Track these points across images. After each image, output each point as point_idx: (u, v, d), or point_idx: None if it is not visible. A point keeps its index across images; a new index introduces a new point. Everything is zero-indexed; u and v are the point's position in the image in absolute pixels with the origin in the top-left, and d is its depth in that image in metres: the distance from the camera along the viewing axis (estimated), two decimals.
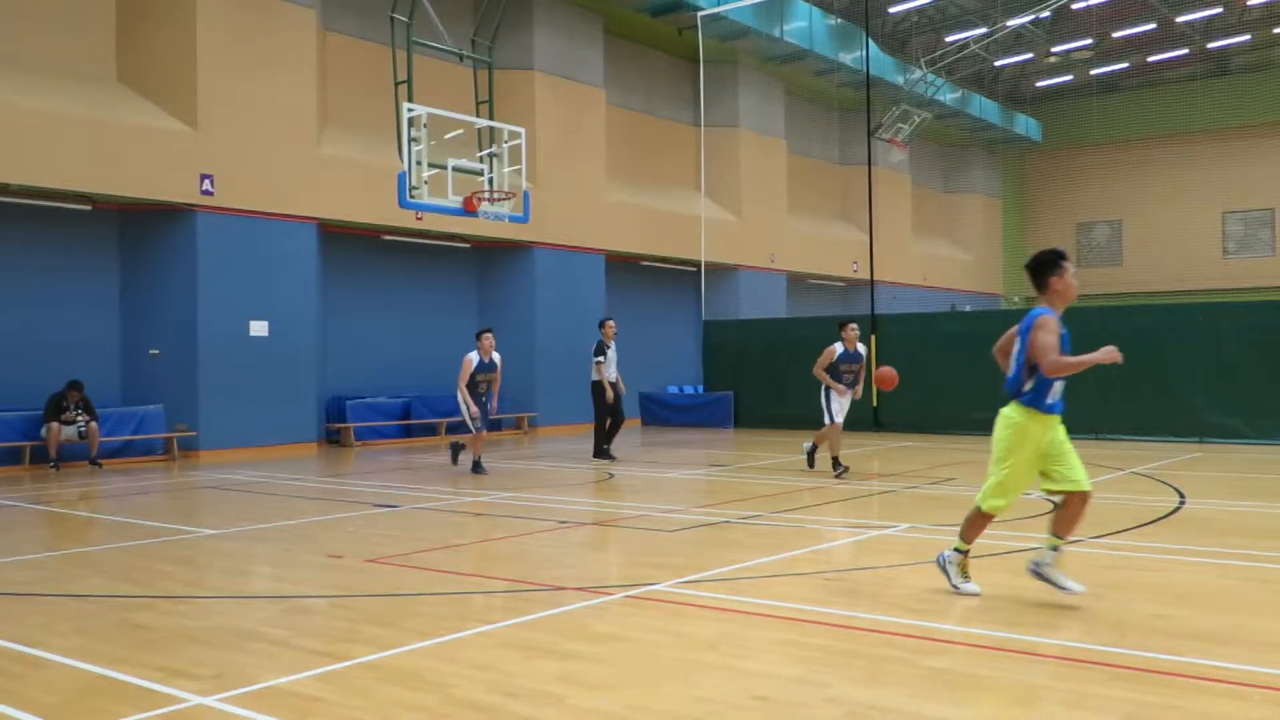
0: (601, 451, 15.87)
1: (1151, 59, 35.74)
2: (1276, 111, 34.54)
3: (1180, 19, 32.08)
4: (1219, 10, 32.17)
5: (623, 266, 25.53)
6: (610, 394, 15.71)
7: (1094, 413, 18.82)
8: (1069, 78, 37.33)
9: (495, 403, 14.49)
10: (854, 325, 13.85)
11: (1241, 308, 18.78)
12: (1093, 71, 36.73)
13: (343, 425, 19.74)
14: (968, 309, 33.27)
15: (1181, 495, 11.18)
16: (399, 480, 13.98)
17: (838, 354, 13.57)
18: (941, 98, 31.95)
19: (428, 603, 6.57)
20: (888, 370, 13.18)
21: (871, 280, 23.18)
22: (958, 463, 15.07)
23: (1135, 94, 37.64)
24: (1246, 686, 4.68)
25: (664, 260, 26.42)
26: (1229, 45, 34.90)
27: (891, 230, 32.46)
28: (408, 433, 20.80)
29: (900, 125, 29.77)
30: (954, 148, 37.90)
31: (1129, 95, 37.74)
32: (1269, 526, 9.45)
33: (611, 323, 16.19)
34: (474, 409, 13.92)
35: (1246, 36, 34.17)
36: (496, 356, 14.19)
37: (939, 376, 20.28)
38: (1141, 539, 8.64)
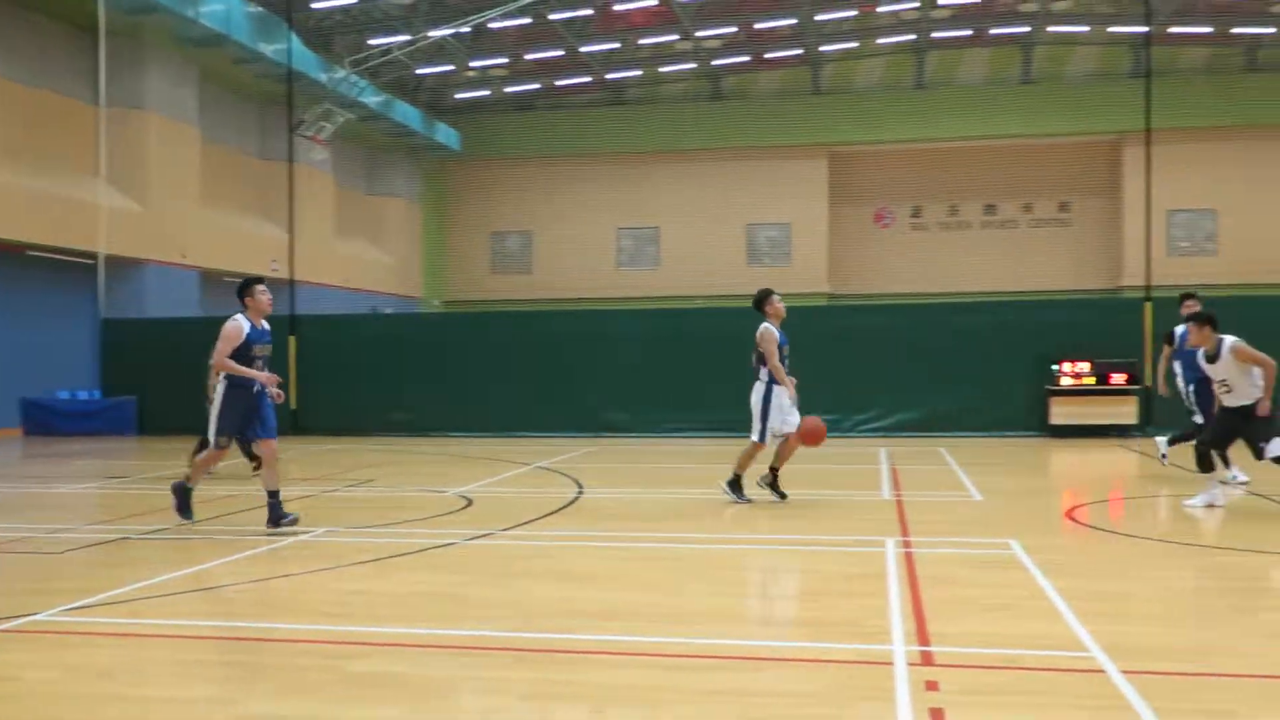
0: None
1: (559, 83, 38.67)
2: (661, 142, 38.93)
3: (583, 48, 35.04)
4: (617, 45, 35.61)
5: (2, 257, 22.51)
6: None
7: (505, 412, 19.92)
8: (487, 92, 39.23)
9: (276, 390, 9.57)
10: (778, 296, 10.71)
11: (632, 314, 20.94)
12: (507, 89, 38.94)
13: None
14: (389, 312, 33.69)
15: (580, 486, 12.17)
16: None
17: (779, 335, 10.50)
18: (365, 99, 32.05)
19: None
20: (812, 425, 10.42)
21: (291, 280, 22.61)
22: (378, 464, 15.17)
23: (545, 114, 40.48)
24: (635, 656, 5.17)
25: (55, 251, 23.67)
26: (624, 78, 38.77)
27: (313, 229, 31.91)
28: None
29: (323, 123, 29.38)
30: (377, 150, 38.20)
31: (540, 115, 40.49)
32: (654, 511, 10.58)
33: None
34: (274, 387, 9.26)
35: (639, 71, 38.19)
36: (266, 324, 9.50)
37: (361, 378, 20.29)
38: (545, 528, 9.26)
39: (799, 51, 36.61)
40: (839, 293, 36.85)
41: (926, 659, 5.06)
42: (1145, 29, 26.64)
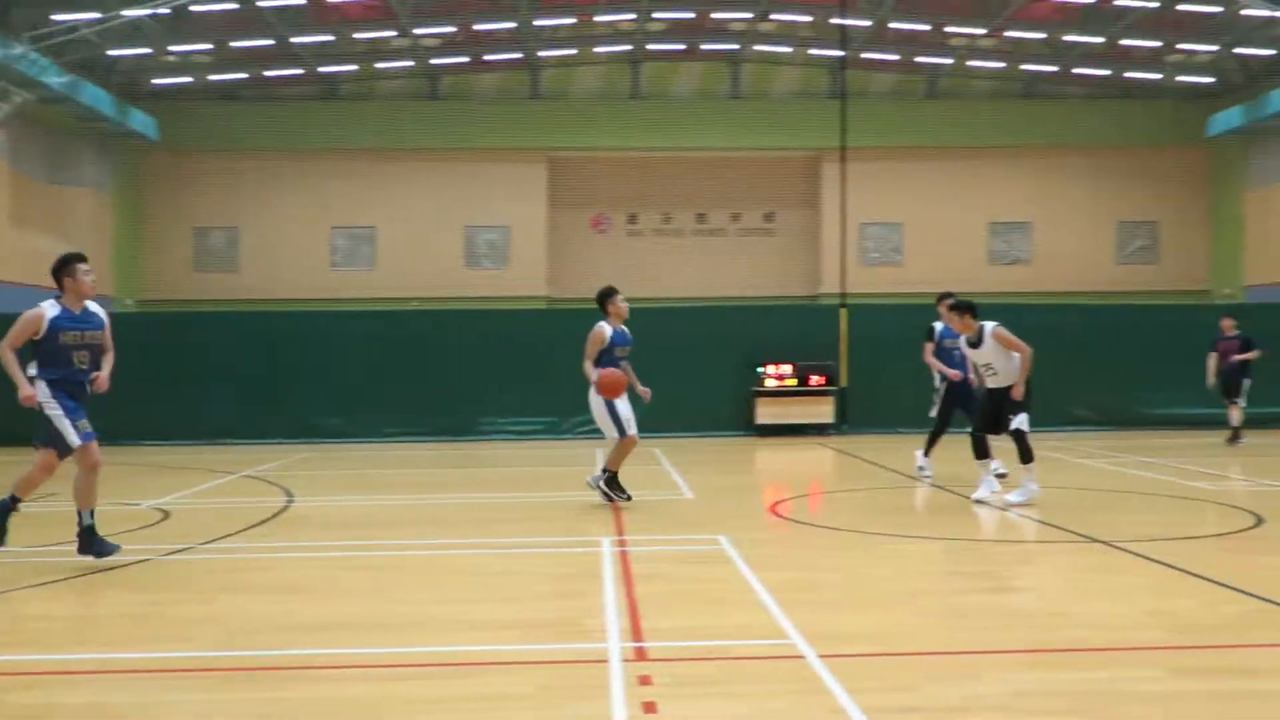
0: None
1: (268, 73, 36.99)
2: (377, 139, 37.99)
3: (295, 39, 33.67)
4: (332, 38, 34.44)
5: None
6: None
7: (209, 419, 18.84)
8: (189, 79, 36.97)
9: (99, 382, 8.20)
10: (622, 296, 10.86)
11: (346, 315, 20.32)
12: (211, 77, 36.88)
13: None
14: None
15: (290, 494, 11.68)
16: None
17: (609, 336, 10.68)
18: (48, 80, 29.48)
19: None
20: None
21: None
22: (60, 476, 13.93)
23: (253, 105, 38.61)
24: (351, 668, 5.00)
25: None
26: (338, 72, 37.57)
27: None
28: None
29: None
30: (62, 136, 35.24)
31: (247, 106, 38.57)
32: (369, 518, 10.31)
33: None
34: (26, 391, 7.88)
35: (354, 66, 37.12)
36: (96, 308, 7.93)
37: None
38: (253, 540, 8.84)
39: (518, 55, 36.74)
40: (558, 296, 37.23)
41: (640, 655, 5.18)
42: (841, 54, 28.55)
